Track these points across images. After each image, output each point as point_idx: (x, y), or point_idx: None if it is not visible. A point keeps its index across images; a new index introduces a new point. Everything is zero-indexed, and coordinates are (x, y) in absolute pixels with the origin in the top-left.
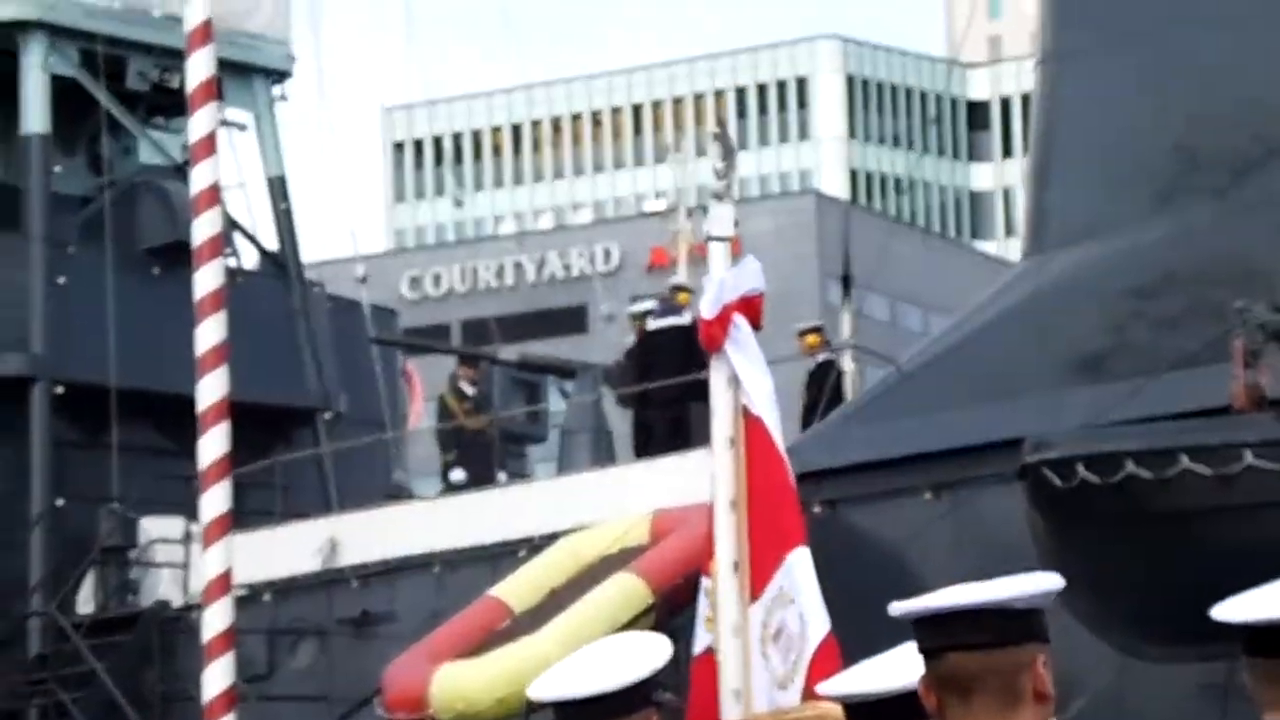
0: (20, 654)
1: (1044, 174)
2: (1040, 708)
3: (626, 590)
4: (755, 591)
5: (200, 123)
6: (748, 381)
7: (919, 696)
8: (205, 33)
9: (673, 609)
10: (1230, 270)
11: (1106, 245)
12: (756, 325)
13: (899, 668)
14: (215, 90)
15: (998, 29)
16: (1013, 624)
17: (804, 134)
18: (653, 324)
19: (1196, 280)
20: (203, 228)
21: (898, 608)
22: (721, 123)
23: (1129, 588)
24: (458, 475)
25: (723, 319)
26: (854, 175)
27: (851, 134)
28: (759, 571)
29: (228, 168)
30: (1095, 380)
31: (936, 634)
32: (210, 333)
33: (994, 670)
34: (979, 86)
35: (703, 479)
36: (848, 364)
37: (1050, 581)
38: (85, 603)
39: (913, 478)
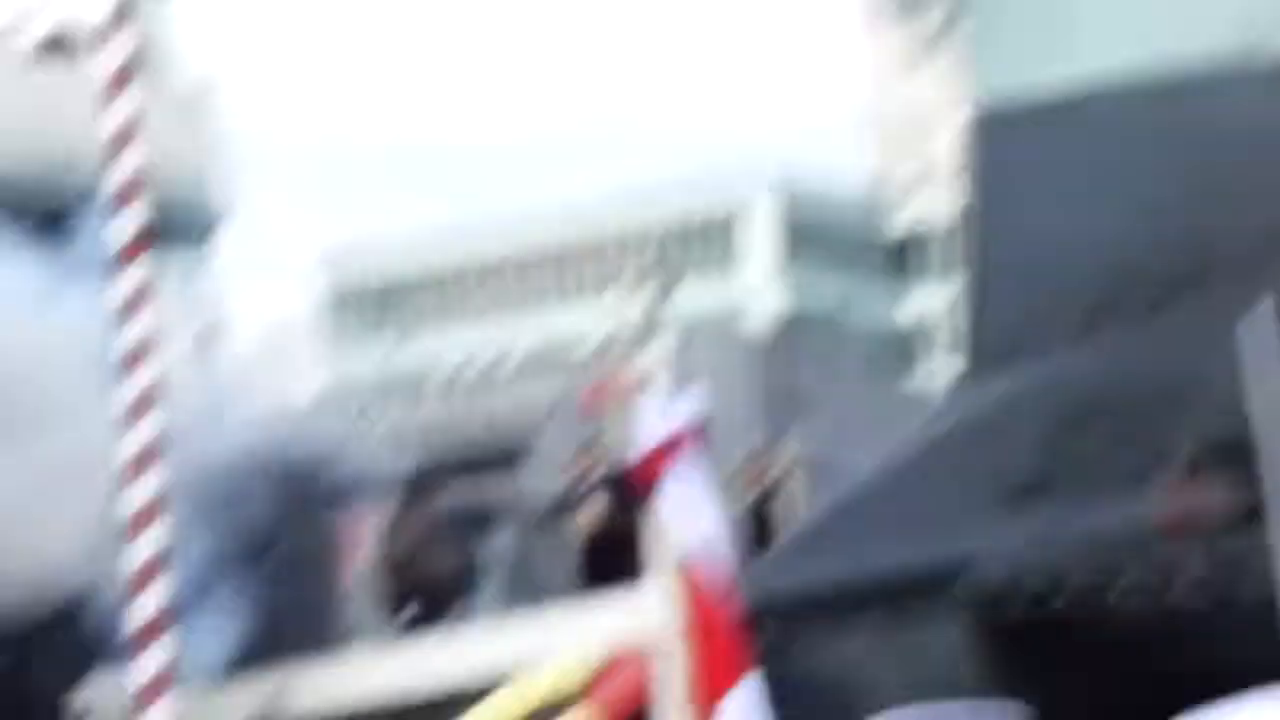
0: None
1: (974, 301)
2: None
3: None
4: None
5: (130, 277)
6: (684, 520)
7: None
8: (136, 187)
9: None
10: (1158, 394)
11: (1036, 368)
12: (702, 452)
13: None
14: (148, 242)
15: (921, 161)
16: None
17: (730, 269)
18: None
19: (1126, 404)
20: (132, 386)
21: None
22: (659, 254)
23: (1072, 711)
24: (423, 609)
25: (656, 459)
26: (786, 313)
27: (783, 269)
28: (707, 708)
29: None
30: (1031, 508)
31: None
32: (144, 490)
33: None
34: (904, 220)
35: (641, 619)
36: (798, 494)
37: (1005, 716)
38: None
39: (855, 606)
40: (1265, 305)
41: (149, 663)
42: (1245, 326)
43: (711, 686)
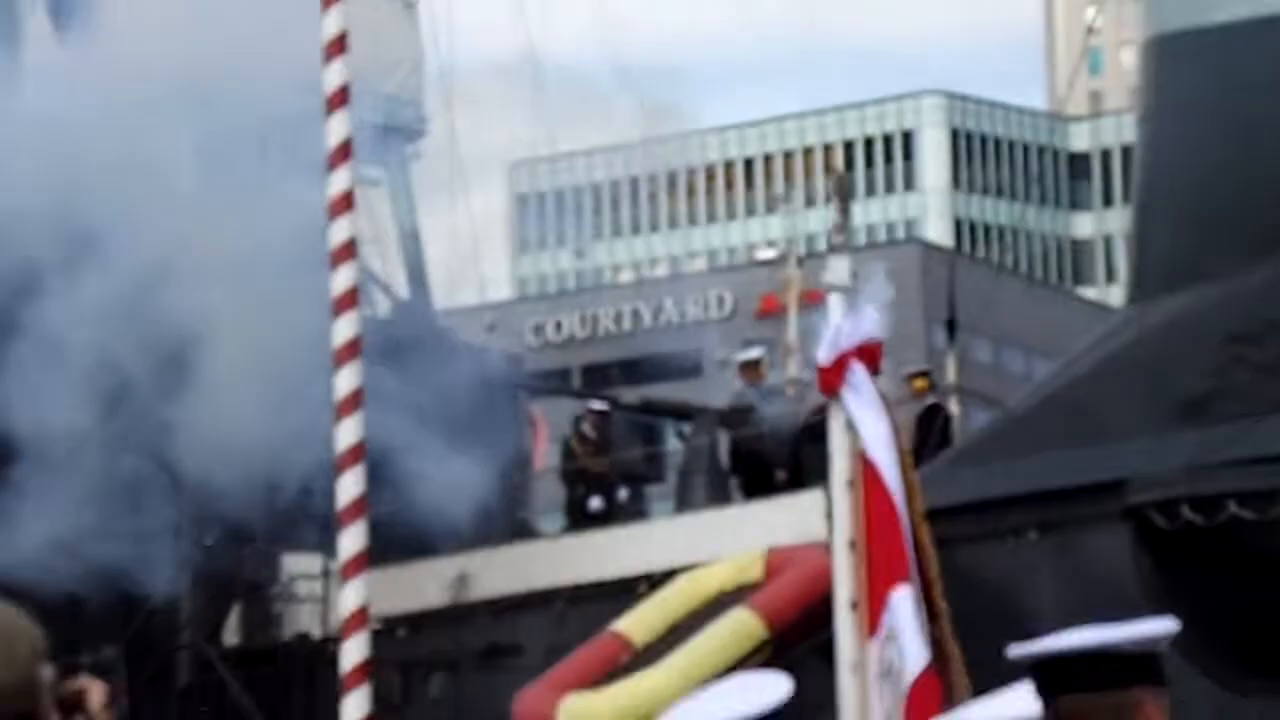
0: (170, 685)
1: (1145, 224)
2: None
3: (742, 627)
4: (873, 629)
5: (338, 180)
6: (864, 426)
7: None
8: (343, 95)
9: (786, 644)
10: None
11: (1206, 292)
12: (875, 371)
13: (1010, 706)
14: (351, 150)
15: (1098, 84)
16: (1123, 667)
17: (910, 185)
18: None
19: (1271, 332)
20: (340, 279)
21: (1014, 651)
22: (840, 173)
23: (1232, 627)
24: (596, 503)
25: (839, 366)
26: (958, 224)
27: (956, 185)
28: (875, 609)
29: (364, 222)
30: (1198, 424)
31: (1051, 676)
32: (347, 379)
33: (1104, 711)
34: (1080, 139)
35: (814, 518)
36: (954, 408)
37: (1162, 627)
38: (231, 636)
39: (1020, 518)
40: None
41: (350, 541)
42: None
43: (879, 591)
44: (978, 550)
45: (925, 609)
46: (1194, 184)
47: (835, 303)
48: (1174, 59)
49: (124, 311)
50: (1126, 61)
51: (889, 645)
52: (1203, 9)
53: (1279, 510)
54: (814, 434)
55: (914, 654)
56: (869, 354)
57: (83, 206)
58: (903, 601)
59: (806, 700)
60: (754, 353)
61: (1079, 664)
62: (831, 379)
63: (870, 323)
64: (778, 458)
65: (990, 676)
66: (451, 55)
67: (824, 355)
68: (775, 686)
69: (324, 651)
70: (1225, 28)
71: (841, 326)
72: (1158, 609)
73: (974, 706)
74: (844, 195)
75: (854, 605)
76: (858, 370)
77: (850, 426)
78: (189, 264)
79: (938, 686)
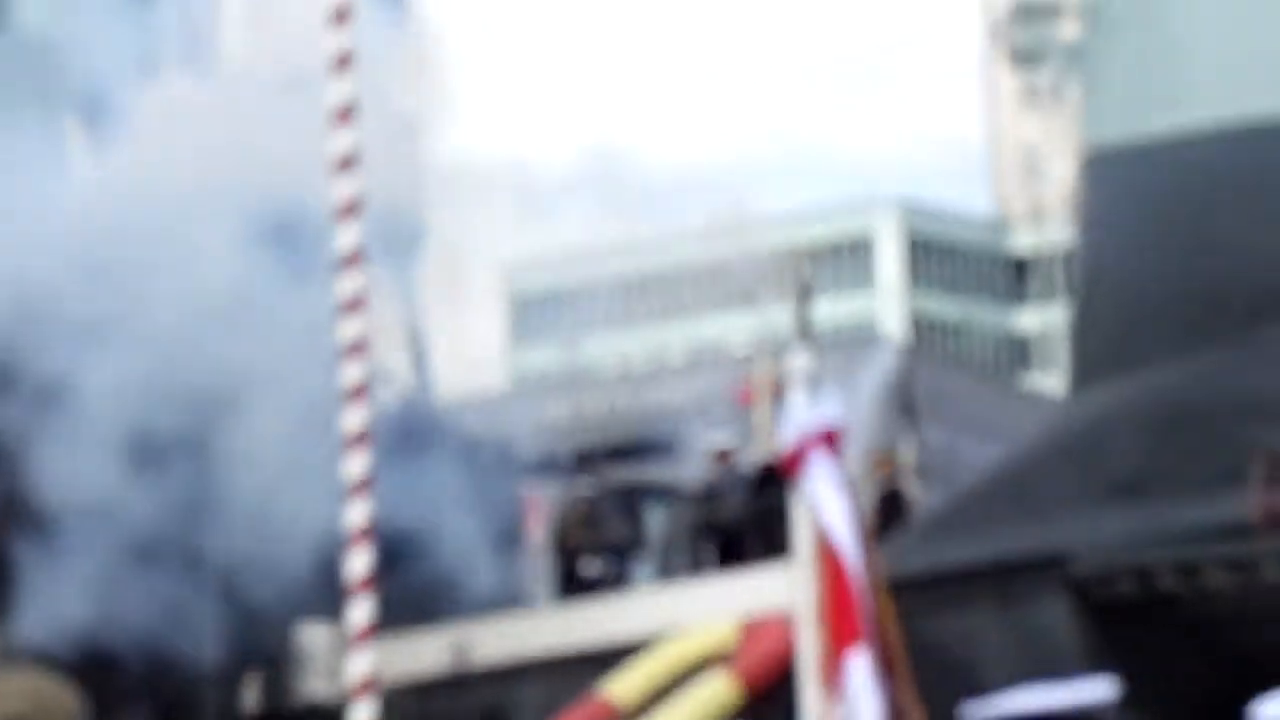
0: None
1: (1083, 320)
2: None
3: (720, 691)
4: (833, 691)
5: (349, 282)
6: (823, 506)
7: None
8: (353, 207)
9: (759, 706)
10: (1245, 404)
11: (1136, 382)
12: (837, 454)
13: None
14: (361, 256)
15: (1039, 190)
16: None
17: (868, 283)
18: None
19: (1215, 413)
20: (351, 373)
21: (970, 712)
22: (802, 271)
23: (1165, 687)
24: (591, 569)
25: (801, 451)
26: (915, 322)
27: (913, 283)
28: (834, 672)
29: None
30: (1131, 503)
31: None
32: (358, 465)
33: None
34: (1023, 241)
35: (783, 586)
36: (914, 491)
37: (1101, 691)
38: (249, 700)
39: (972, 589)
40: None
41: (359, 612)
42: None
43: (841, 648)
44: (935, 618)
45: (886, 671)
46: (1126, 285)
47: (797, 392)
48: (1107, 171)
49: (157, 386)
50: (1065, 170)
51: (848, 704)
52: (1134, 125)
53: (1204, 582)
54: (766, 482)
55: (869, 714)
56: (830, 438)
57: (116, 288)
58: (858, 665)
59: None
60: (722, 441)
61: None
62: (793, 462)
63: (831, 409)
64: (746, 529)
65: None
66: (449, 163)
67: (785, 440)
68: None
69: (336, 715)
70: (1154, 143)
71: (800, 416)
72: (1098, 671)
73: None
74: (804, 294)
75: (818, 669)
76: (819, 453)
77: (810, 506)
78: (216, 343)
79: None
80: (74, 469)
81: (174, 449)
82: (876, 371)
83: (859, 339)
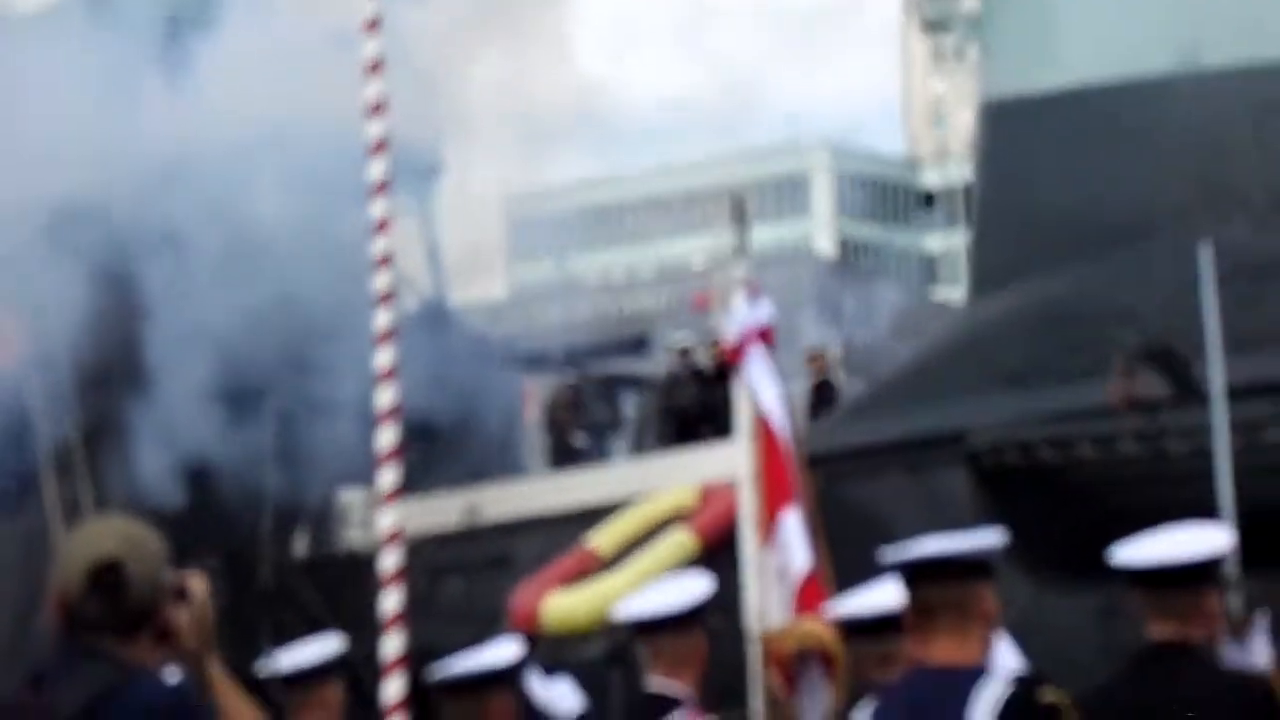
0: (253, 587)
1: (980, 241)
2: (985, 624)
3: (682, 543)
4: (768, 540)
5: (378, 208)
6: (760, 391)
7: (900, 617)
8: (381, 145)
9: (711, 554)
10: (1107, 311)
11: (1025, 291)
12: (771, 347)
13: (882, 597)
14: (389, 185)
15: (943, 135)
16: (966, 567)
17: (805, 212)
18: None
19: (1084, 317)
20: (381, 281)
21: (887, 556)
22: (739, 201)
23: (1043, 539)
24: (579, 441)
25: (742, 346)
26: (843, 244)
27: (840, 212)
28: (769, 526)
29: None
30: (1019, 390)
31: (912, 575)
32: (385, 356)
33: (953, 599)
34: (931, 178)
35: (731, 460)
36: (841, 381)
37: (993, 538)
38: (299, 550)
39: (887, 461)
40: (1209, 250)
41: (387, 478)
42: (1196, 264)
43: (773, 512)
44: (856, 486)
45: (810, 527)
46: (1013, 213)
47: (739, 298)
48: (998, 119)
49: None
50: (965, 119)
51: (781, 553)
52: (1020, 82)
53: (1074, 454)
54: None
55: (800, 560)
56: (765, 335)
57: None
58: (790, 521)
59: (725, 593)
60: (682, 340)
61: (933, 565)
62: (734, 355)
63: (766, 311)
64: (699, 413)
65: (866, 578)
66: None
67: (728, 337)
68: (701, 584)
69: (369, 561)
70: (1037, 97)
71: (742, 315)
72: (988, 525)
73: (853, 597)
74: (741, 218)
75: (755, 523)
76: (757, 348)
77: (750, 391)
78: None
79: (820, 584)
80: (171, 319)
81: (259, 323)
82: (809, 280)
83: (798, 256)
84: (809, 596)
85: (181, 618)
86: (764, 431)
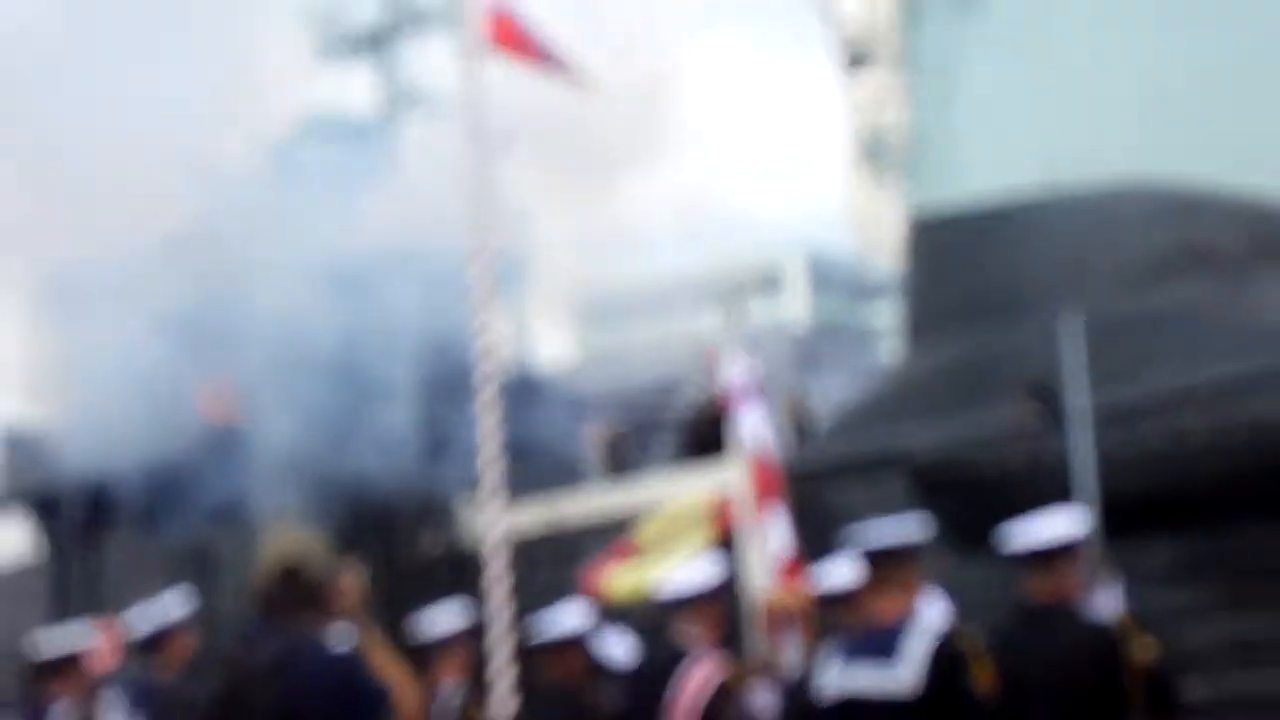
0: (395, 571)
1: (911, 313)
2: (916, 590)
3: (703, 534)
4: (762, 532)
5: (483, 312)
6: (752, 427)
7: (856, 590)
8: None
9: (725, 544)
10: (1008, 360)
11: (945, 350)
12: (763, 392)
13: (844, 570)
14: (493, 289)
15: (885, 239)
16: (903, 552)
17: (781, 299)
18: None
19: (990, 365)
20: (486, 366)
21: (851, 542)
22: (730, 295)
23: (963, 526)
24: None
25: (737, 396)
26: (815, 316)
27: (810, 298)
28: (761, 522)
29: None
30: (944, 418)
31: (868, 555)
32: (491, 418)
33: (894, 573)
34: (877, 272)
35: (734, 475)
36: (815, 421)
37: (923, 526)
38: (425, 544)
39: (850, 473)
40: (1073, 318)
41: (489, 482)
42: (1062, 329)
43: (765, 509)
44: (827, 494)
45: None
46: (932, 295)
47: (734, 362)
48: (921, 230)
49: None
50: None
51: (770, 541)
52: (939, 197)
53: (987, 463)
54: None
55: (784, 544)
56: (757, 386)
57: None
58: (777, 518)
59: (731, 571)
60: (695, 392)
61: (882, 551)
62: (732, 404)
63: (755, 370)
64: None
65: (832, 558)
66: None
67: (726, 391)
68: (719, 567)
69: (478, 555)
70: (953, 215)
71: (737, 375)
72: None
73: (823, 572)
74: (733, 306)
75: (753, 519)
76: (753, 395)
77: (745, 429)
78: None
79: (799, 564)
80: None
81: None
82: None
83: (779, 329)
84: (791, 573)
85: (344, 596)
86: (756, 453)
